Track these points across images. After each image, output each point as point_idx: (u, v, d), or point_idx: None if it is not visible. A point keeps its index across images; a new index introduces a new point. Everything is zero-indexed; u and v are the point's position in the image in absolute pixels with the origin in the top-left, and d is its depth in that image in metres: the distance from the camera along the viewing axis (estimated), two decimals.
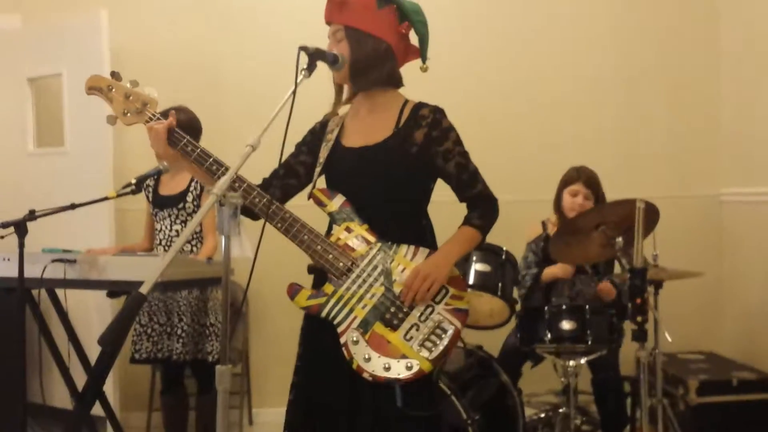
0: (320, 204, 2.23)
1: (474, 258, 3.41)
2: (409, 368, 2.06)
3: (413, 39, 2.34)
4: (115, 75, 2.22)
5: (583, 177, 3.71)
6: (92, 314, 3.84)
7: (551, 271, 3.66)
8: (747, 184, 4.45)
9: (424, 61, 2.34)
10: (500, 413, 3.34)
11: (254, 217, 2.19)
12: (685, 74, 4.70)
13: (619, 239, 3.10)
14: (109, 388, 3.81)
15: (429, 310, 2.12)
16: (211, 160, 2.16)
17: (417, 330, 2.10)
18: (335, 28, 2.22)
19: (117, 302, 3.60)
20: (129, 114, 2.18)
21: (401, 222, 2.22)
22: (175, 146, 2.17)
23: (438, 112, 2.25)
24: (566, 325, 3.27)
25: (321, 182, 2.34)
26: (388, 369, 2.06)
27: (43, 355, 3.37)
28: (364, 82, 2.24)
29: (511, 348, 3.67)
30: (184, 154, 2.18)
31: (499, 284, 3.39)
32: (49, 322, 3.39)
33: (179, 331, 3.45)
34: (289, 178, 2.36)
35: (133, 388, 4.41)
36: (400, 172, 2.21)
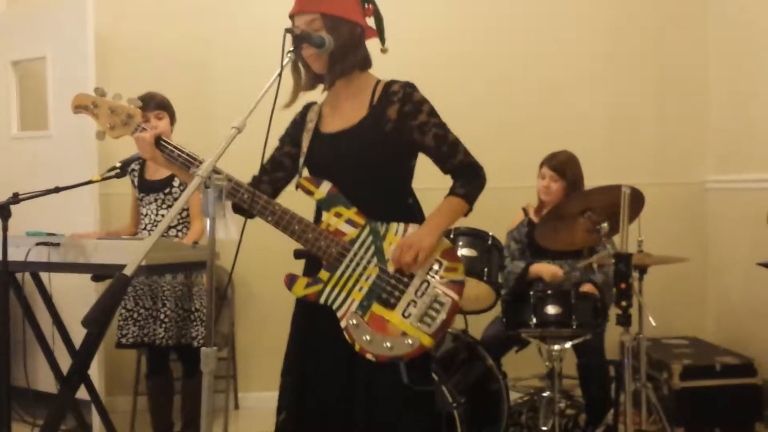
0: (308, 192, 2.22)
1: (460, 243, 3.41)
2: (410, 345, 2.09)
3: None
4: (98, 91, 2.26)
5: (549, 161, 3.74)
6: (77, 298, 3.82)
7: (538, 270, 3.65)
8: (732, 171, 4.48)
9: (383, 43, 2.35)
10: (485, 397, 3.36)
11: (248, 214, 2.19)
12: (673, 62, 4.71)
13: (605, 224, 3.12)
14: (95, 372, 3.80)
15: (424, 285, 2.14)
16: (197, 163, 2.17)
17: (414, 306, 2.12)
18: (310, 17, 2.18)
19: (101, 286, 3.59)
20: (115, 127, 2.24)
21: (388, 202, 2.23)
22: (162, 152, 2.21)
23: (408, 86, 2.24)
24: (551, 309, 3.28)
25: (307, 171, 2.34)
26: (390, 348, 2.09)
27: (27, 339, 3.35)
28: (340, 69, 2.22)
29: (494, 336, 3.68)
30: (170, 160, 2.21)
31: (485, 269, 3.40)
32: (34, 306, 3.38)
33: (162, 316, 3.45)
34: (276, 171, 2.37)
35: (118, 372, 4.40)
36: (378, 152, 2.21)
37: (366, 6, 2.30)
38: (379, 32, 2.34)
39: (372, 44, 2.33)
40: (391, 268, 2.14)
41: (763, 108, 4.13)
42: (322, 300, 2.15)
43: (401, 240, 2.14)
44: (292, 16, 2.23)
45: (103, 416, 3.41)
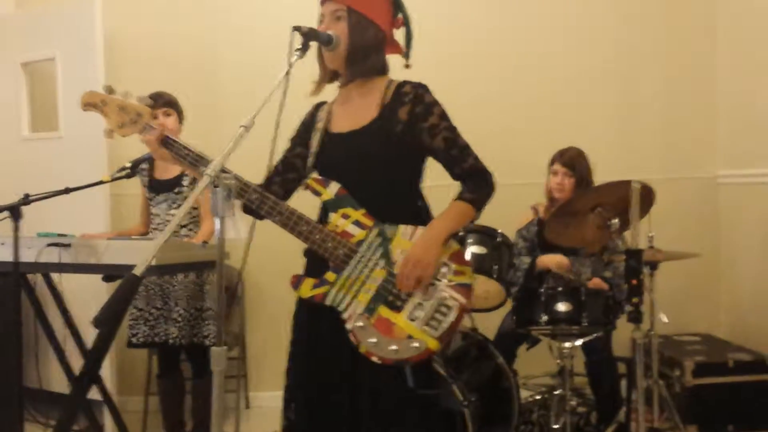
0: (316, 193, 2.21)
1: (469, 240, 3.40)
2: (416, 348, 2.08)
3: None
4: (107, 89, 2.26)
5: (561, 157, 3.75)
6: (88, 298, 3.84)
7: (545, 262, 3.65)
8: (743, 166, 4.45)
9: (408, 58, 2.36)
10: (496, 395, 3.35)
11: (257, 215, 2.19)
12: (682, 57, 4.68)
13: (615, 221, 3.11)
14: (106, 372, 3.82)
15: (432, 288, 2.12)
16: (204, 161, 2.17)
17: (421, 309, 2.11)
18: (336, 6, 2.18)
19: (113, 286, 3.59)
20: (124, 125, 2.24)
21: (396, 204, 2.21)
22: (170, 150, 2.21)
23: (420, 88, 2.23)
24: (562, 306, 3.27)
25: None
26: (396, 351, 2.08)
27: (39, 339, 3.37)
28: (361, 68, 2.22)
29: (507, 331, 3.67)
30: (178, 158, 2.21)
31: (495, 266, 3.39)
32: (45, 307, 3.39)
33: (175, 315, 3.46)
34: (287, 173, 2.36)
35: (129, 373, 4.42)
36: (388, 153, 2.19)
37: (396, 18, 2.30)
38: (407, 49, 2.35)
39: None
40: (397, 271, 2.12)
41: None
42: (328, 301, 2.14)
43: (406, 255, 2.11)
44: (322, 2, 2.24)
45: (115, 416, 3.42)
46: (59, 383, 3.94)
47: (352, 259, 2.14)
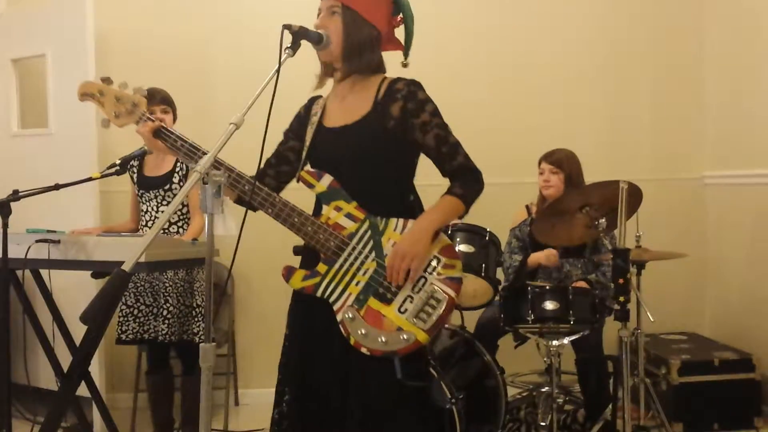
0: (309, 185, 2.23)
1: (458, 239, 3.42)
2: (405, 340, 2.10)
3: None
4: (105, 80, 2.27)
5: (547, 157, 3.77)
6: (77, 295, 3.82)
7: (536, 258, 3.68)
8: (730, 167, 4.49)
9: (406, 57, 2.38)
10: (483, 393, 3.36)
11: (250, 207, 2.20)
12: (670, 58, 4.72)
13: (603, 220, 3.13)
14: (95, 369, 3.81)
15: (422, 281, 2.14)
16: (199, 153, 2.19)
17: (411, 302, 2.13)
18: (332, 1, 2.21)
19: (102, 283, 3.58)
20: (120, 116, 2.25)
21: (388, 199, 2.23)
22: (165, 142, 2.23)
23: (413, 85, 2.25)
24: (549, 305, 3.28)
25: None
26: (385, 342, 2.10)
27: (28, 336, 3.36)
28: (357, 65, 2.24)
29: (488, 321, 3.69)
30: (173, 150, 2.23)
31: (483, 265, 3.40)
32: (34, 303, 3.38)
33: (165, 312, 3.46)
34: (281, 165, 2.39)
35: (119, 369, 4.42)
36: (380, 148, 2.21)
37: (396, 17, 2.33)
38: (406, 47, 2.37)
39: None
40: (387, 264, 2.14)
41: (760, 103, 4.14)
42: (319, 293, 2.16)
43: (394, 247, 2.13)
44: None
45: (104, 413, 3.41)
46: (47, 380, 3.93)
47: (344, 251, 2.16)
